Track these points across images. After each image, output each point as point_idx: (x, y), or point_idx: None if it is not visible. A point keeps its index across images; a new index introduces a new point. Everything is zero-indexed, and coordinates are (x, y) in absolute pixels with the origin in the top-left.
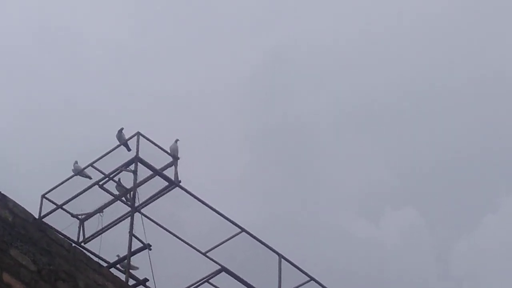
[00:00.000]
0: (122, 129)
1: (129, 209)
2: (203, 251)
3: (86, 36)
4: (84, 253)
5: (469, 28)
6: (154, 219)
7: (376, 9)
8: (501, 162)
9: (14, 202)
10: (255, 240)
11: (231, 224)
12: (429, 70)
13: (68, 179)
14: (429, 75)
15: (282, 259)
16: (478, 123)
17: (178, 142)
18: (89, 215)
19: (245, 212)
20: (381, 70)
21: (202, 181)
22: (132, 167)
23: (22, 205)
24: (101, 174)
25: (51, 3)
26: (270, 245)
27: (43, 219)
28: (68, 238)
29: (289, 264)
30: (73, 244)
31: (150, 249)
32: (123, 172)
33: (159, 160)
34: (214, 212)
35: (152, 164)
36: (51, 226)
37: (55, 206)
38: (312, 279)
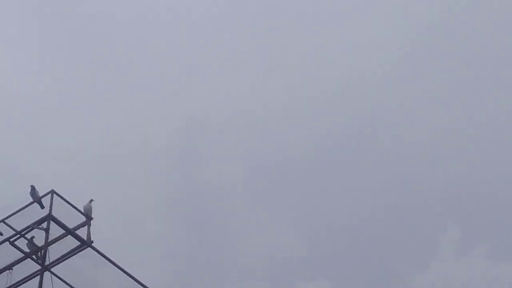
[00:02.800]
0: (33, 186)
1: (39, 267)
2: None
3: None
4: None
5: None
6: (65, 279)
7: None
8: (412, 241)
9: None
10: None
11: (141, 286)
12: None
13: None
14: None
15: None
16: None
17: (92, 202)
18: None
19: (155, 275)
20: (292, 132)
21: (115, 242)
22: (44, 225)
23: None
24: (12, 230)
25: None
26: None
27: None
28: None
29: None
30: None
31: None
32: (35, 229)
33: (73, 219)
34: (126, 275)
35: (65, 223)
36: None
37: None
38: None
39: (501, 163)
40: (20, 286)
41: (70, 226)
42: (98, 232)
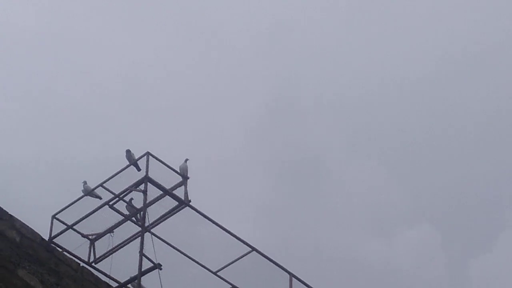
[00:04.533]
0: (129, 150)
1: (139, 229)
2: (214, 270)
3: None
4: (92, 273)
5: None
6: (164, 239)
7: None
8: None
9: (22, 222)
10: (266, 259)
11: (242, 243)
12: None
13: (78, 199)
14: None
15: (293, 278)
16: (494, 141)
17: (187, 161)
18: (99, 235)
19: (257, 233)
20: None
21: (212, 201)
22: (142, 187)
23: (33, 226)
24: (111, 194)
25: None
26: (281, 264)
27: (53, 240)
28: (79, 258)
29: (301, 284)
30: (81, 264)
31: (161, 269)
32: (133, 192)
33: (169, 179)
34: (224, 232)
35: (162, 183)
36: (61, 247)
37: (65, 227)
38: None
39: None
40: (122, 248)
41: (167, 186)
42: (195, 191)
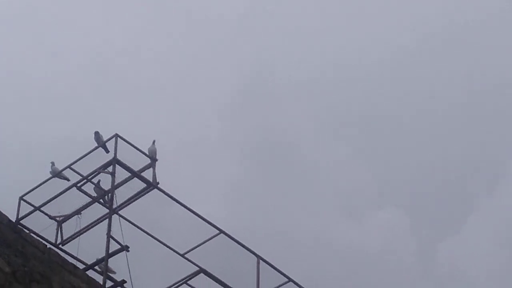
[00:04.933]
0: (97, 132)
1: (107, 211)
2: (182, 252)
3: None
4: (59, 255)
5: None
6: (132, 221)
7: None
8: (481, 163)
9: None
10: (233, 242)
11: (210, 226)
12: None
13: (46, 181)
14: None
15: (261, 261)
16: (461, 125)
17: (155, 143)
18: (67, 217)
19: (226, 215)
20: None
21: (181, 183)
22: (110, 169)
23: None
24: (79, 176)
25: None
26: (248, 246)
27: (21, 221)
28: (46, 240)
29: (268, 266)
30: (48, 246)
31: (128, 251)
32: (101, 174)
33: (138, 161)
34: (192, 214)
35: (130, 166)
36: (29, 228)
37: (33, 208)
38: (290, 280)
39: None
40: (89, 230)
41: (136, 168)
42: (165, 173)
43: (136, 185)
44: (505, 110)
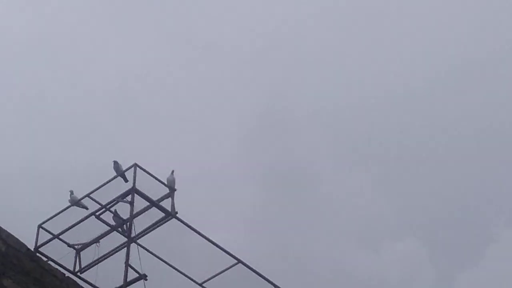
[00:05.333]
0: (116, 161)
1: (126, 239)
2: (200, 282)
3: None
4: (77, 283)
5: None
6: (150, 250)
7: None
8: (499, 194)
9: (8, 232)
10: (251, 272)
11: (228, 255)
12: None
13: (64, 209)
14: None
15: None
16: (477, 152)
17: (174, 173)
18: (85, 245)
19: (244, 245)
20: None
21: (200, 213)
22: (128, 198)
23: (18, 236)
24: (97, 204)
25: None
26: (266, 276)
27: (39, 249)
28: (64, 267)
29: None
30: (67, 274)
31: (146, 280)
32: (119, 203)
33: (157, 191)
34: (211, 244)
35: (149, 195)
36: (47, 256)
37: (51, 236)
38: None
39: None
40: (108, 258)
41: (154, 198)
42: (183, 202)
43: (155, 214)
44: None
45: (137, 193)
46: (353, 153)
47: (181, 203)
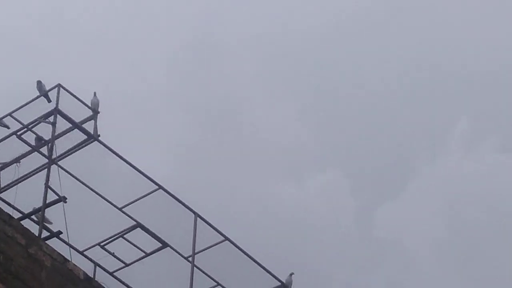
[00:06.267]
0: (40, 81)
1: (47, 160)
2: (120, 206)
3: None
4: None
5: None
6: (72, 172)
7: None
8: (422, 131)
9: None
10: (172, 199)
11: (149, 181)
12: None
13: None
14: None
15: (198, 218)
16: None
17: (97, 95)
18: (5, 165)
19: (169, 172)
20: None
21: (126, 137)
22: (51, 118)
23: None
24: (19, 124)
25: None
26: (187, 203)
27: None
28: None
29: (206, 224)
30: None
31: (66, 202)
32: (42, 123)
33: (80, 113)
34: (133, 169)
35: (72, 117)
36: None
37: None
38: (226, 238)
39: None
40: (27, 179)
41: (77, 120)
42: (108, 126)
43: (78, 137)
44: (449, 81)
45: (59, 114)
46: (282, 84)
47: (106, 127)
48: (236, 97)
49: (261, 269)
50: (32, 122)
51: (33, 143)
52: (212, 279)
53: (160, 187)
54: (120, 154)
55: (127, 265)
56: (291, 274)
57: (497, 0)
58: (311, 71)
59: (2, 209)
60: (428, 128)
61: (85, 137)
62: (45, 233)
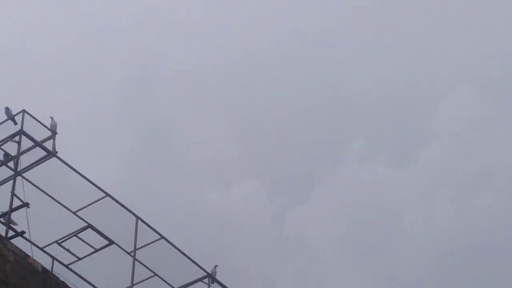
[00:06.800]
0: (8, 107)
1: (13, 173)
2: (74, 210)
3: None
4: None
5: None
6: (34, 183)
7: None
8: (326, 147)
9: None
10: (117, 204)
11: (98, 189)
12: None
13: None
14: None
15: (139, 220)
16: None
17: (54, 119)
18: None
19: (115, 182)
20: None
21: (80, 153)
22: (17, 138)
23: None
24: None
25: None
26: (130, 208)
27: None
28: None
29: (146, 226)
30: None
31: (28, 207)
32: (9, 142)
33: (41, 133)
34: (84, 179)
35: (34, 137)
36: None
37: None
38: (162, 237)
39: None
40: None
41: (39, 139)
42: (65, 144)
43: (39, 153)
44: (347, 105)
45: (24, 135)
46: (212, 108)
47: (64, 145)
48: (172, 119)
49: (191, 262)
50: (0, 141)
51: (1, 158)
52: (151, 270)
53: (107, 194)
54: (75, 167)
55: (79, 259)
56: (215, 266)
57: (380, 31)
58: (236, 99)
59: None
60: (331, 144)
61: (45, 153)
62: (11, 233)
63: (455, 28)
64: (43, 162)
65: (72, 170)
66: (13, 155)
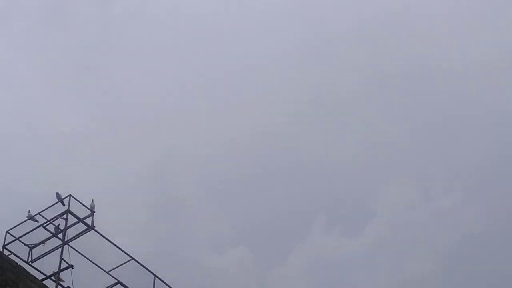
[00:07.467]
0: (58, 193)
1: (61, 242)
2: (107, 270)
3: None
4: (24, 268)
5: None
6: (77, 249)
7: None
8: (298, 220)
9: None
10: (139, 265)
11: (126, 254)
12: None
13: (23, 221)
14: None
15: (156, 278)
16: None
17: (93, 201)
18: (35, 245)
19: (141, 247)
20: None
21: (113, 225)
22: (65, 216)
23: None
24: (44, 219)
25: None
26: (149, 268)
27: (6, 247)
28: (21, 258)
29: (162, 283)
30: (18, 263)
31: (73, 268)
32: (59, 219)
33: (83, 212)
34: (115, 247)
35: (78, 214)
36: (10, 251)
37: (13, 238)
38: None
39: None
40: (50, 254)
41: (81, 216)
42: (102, 219)
43: (81, 227)
44: (312, 183)
45: (70, 213)
46: (216, 190)
47: (101, 220)
48: (185, 198)
49: None
50: (52, 218)
51: (53, 231)
52: None
53: (132, 258)
54: (108, 237)
55: None
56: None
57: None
58: (232, 178)
59: (29, 273)
60: (301, 218)
61: (86, 227)
62: None
63: None
64: (84, 234)
65: (105, 240)
66: (61, 228)
